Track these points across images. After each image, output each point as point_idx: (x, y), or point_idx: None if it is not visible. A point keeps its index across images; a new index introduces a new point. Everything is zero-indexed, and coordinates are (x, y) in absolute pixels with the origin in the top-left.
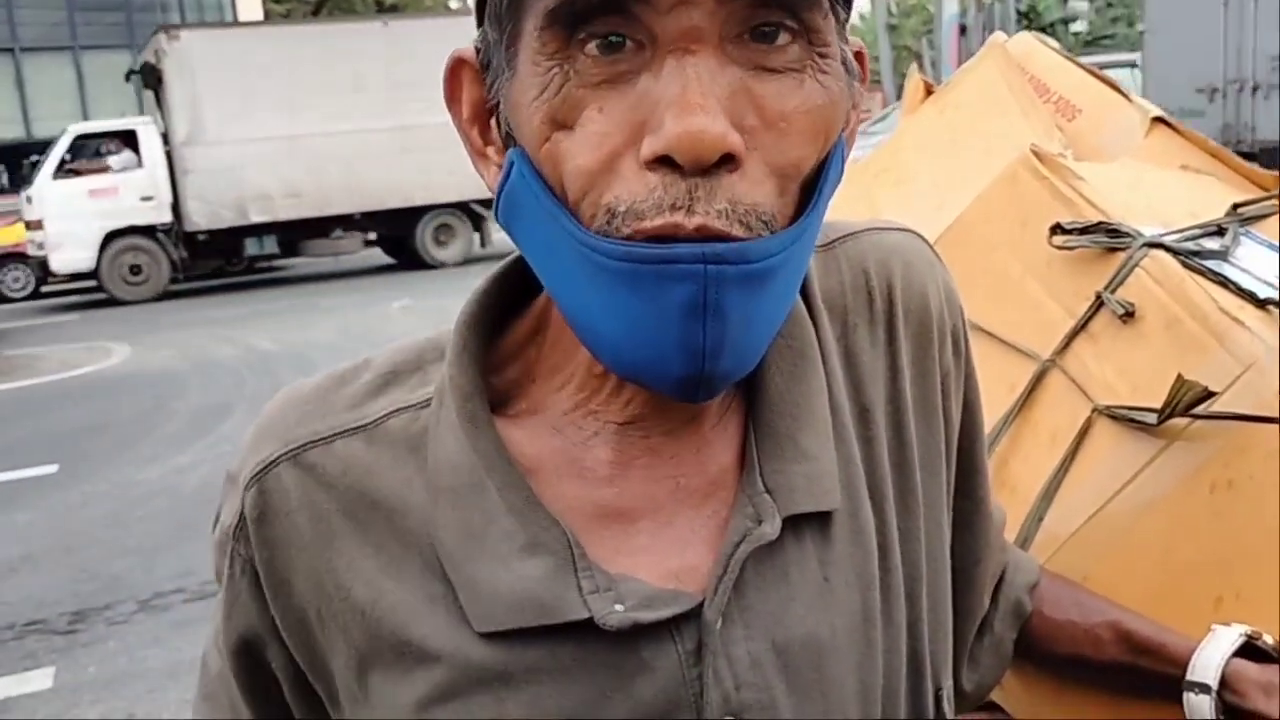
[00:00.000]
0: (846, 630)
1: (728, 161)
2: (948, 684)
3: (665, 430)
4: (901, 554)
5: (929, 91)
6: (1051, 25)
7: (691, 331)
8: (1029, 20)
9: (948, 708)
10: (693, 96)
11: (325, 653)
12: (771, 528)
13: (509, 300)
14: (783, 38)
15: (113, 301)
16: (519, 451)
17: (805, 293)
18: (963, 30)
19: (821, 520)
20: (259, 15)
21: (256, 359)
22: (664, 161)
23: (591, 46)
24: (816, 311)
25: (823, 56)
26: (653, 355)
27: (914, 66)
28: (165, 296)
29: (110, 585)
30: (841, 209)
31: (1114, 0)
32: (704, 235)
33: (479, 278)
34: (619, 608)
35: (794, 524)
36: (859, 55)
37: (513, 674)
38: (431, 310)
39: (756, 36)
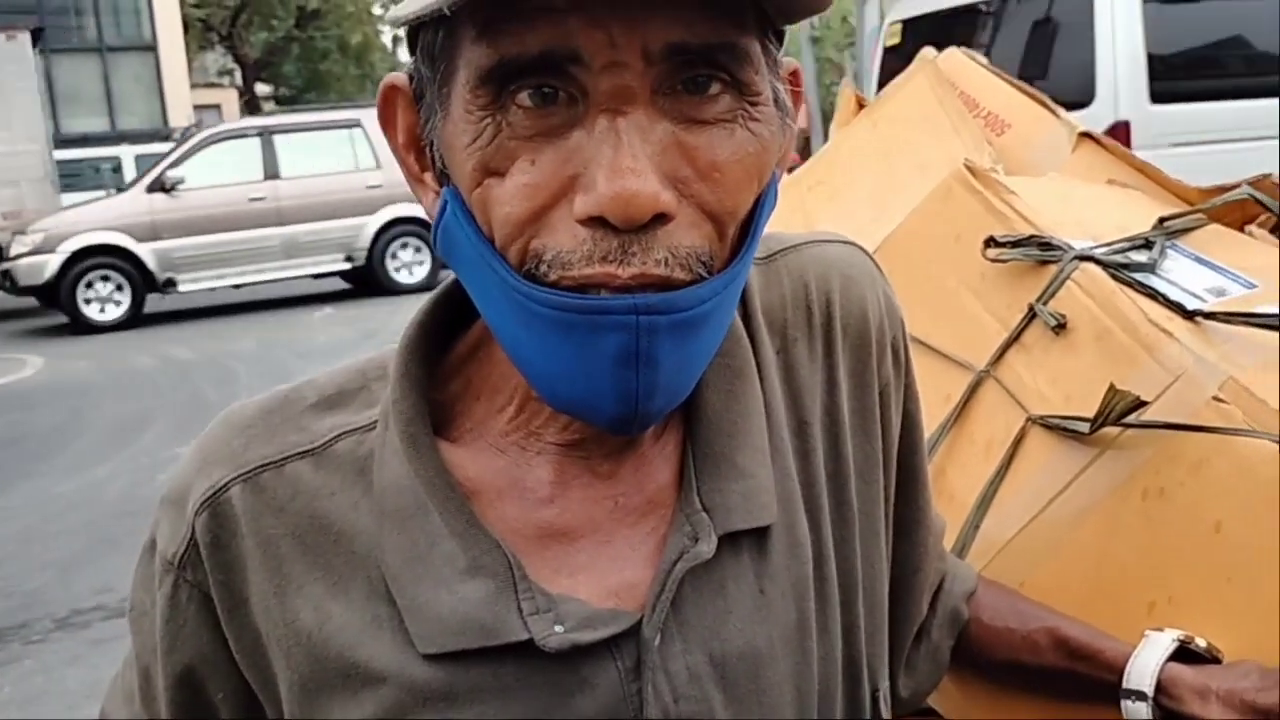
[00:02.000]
0: (783, 640)
1: (660, 219)
2: (884, 685)
3: (604, 452)
4: (837, 563)
5: (860, 105)
6: None
7: (625, 379)
8: None
9: (884, 708)
10: (624, 160)
11: (276, 675)
12: (708, 546)
13: (453, 315)
14: (714, 87)
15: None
16: (462, 474)
17: (745, 307)
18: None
19: (758, 535)
20: (176, 20)
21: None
22: (596, 219)
23: (524, 97)
24: (756, 326)
25: (754, 105)
26: (586, 396)
27: (846, 79)
28: None
29: (26, 603)
30: (776, 223)
31: None
32: (641, 283)
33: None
34: (559, 629)
35: (731, 539)
36: (793, 75)
37: (457, 694)
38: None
39: (688, 88)
